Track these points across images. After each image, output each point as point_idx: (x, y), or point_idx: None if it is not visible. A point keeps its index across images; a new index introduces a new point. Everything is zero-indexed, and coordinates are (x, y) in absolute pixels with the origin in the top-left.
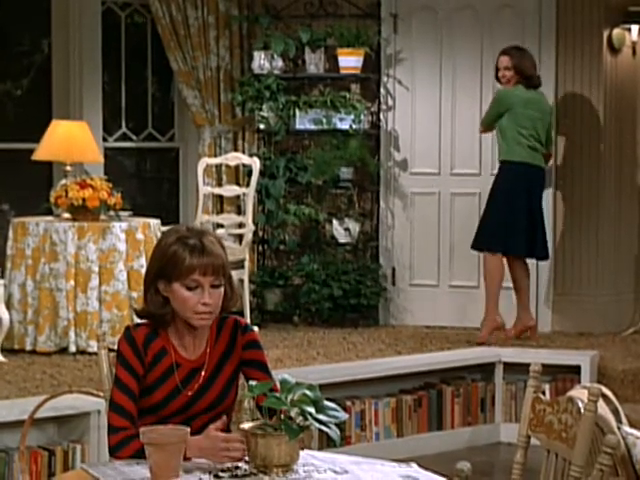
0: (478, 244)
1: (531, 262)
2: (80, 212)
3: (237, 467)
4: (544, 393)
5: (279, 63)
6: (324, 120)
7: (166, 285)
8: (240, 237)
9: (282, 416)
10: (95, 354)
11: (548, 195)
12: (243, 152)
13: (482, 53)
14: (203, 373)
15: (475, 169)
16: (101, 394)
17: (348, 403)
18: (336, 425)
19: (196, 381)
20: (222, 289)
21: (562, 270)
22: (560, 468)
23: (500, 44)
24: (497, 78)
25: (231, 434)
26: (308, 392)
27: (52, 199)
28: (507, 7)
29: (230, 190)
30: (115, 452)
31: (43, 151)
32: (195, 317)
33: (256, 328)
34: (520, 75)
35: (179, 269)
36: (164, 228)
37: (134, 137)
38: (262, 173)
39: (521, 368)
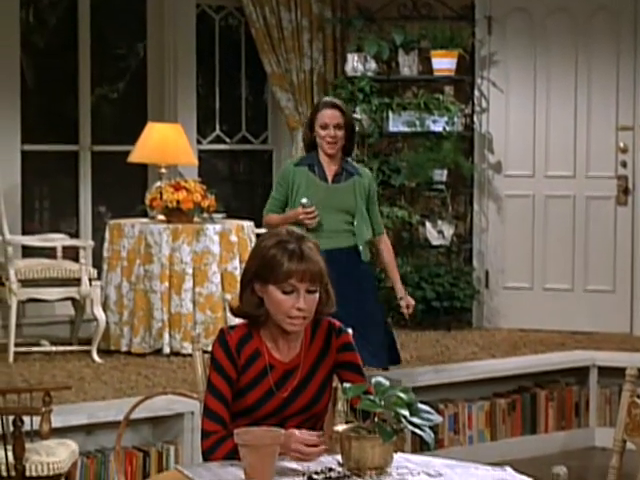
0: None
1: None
2: (174, 214)
3: (331, 469)
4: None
5: (372, 65)
6: (417, 122)
7: (262, 286)
8: None
9: (376, 419)
10: (189, 356)
11: None
12: None
13: (577, 55)
14: (298, 375)
15: (570, 171)
16: (195, 396)
17: (441, 406)
18: (430, 428)
19: (290, 383)
20: (317, 295)
21: None
22: None
23: (595, 47)
24: (313, 140)
25: (311, 438)
26: (402, 395)
27: (147, 201)
28: (602, 9)
29: None
30: (208, 455)
31: (138, 153)
32: (287, 321)
33: (350, 330)
34: (348, 138)
35: (276, 273)
36: (257, 230)
37: (228, 139)
38: None
39: (616, 372)
